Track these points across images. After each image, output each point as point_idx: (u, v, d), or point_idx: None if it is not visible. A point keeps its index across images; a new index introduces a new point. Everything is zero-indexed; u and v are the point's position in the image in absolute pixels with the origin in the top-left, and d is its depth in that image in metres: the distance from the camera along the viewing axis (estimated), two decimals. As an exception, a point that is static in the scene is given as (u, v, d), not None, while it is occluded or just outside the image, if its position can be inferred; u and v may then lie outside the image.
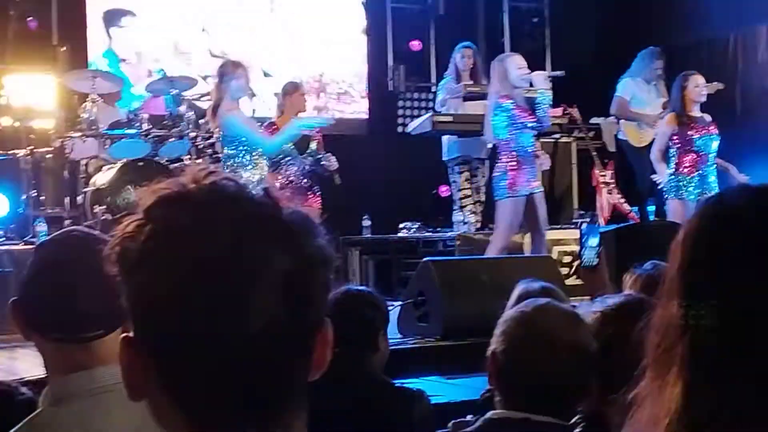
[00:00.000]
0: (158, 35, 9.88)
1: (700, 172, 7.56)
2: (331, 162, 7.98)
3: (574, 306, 2.49)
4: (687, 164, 7.57)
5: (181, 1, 10.11)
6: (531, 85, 7.29)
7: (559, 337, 2.13)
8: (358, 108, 10.92)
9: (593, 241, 6.16)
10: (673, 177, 7.59)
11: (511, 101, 7.14)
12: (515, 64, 7.27)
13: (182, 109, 7.61)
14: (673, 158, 7.63)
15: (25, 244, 6.97)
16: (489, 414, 2.18)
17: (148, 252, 0.91)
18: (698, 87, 7.64)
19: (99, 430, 1.59)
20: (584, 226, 6.57)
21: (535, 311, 2.19)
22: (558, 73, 7.37)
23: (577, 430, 2.13)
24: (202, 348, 0.90)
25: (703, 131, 7.61)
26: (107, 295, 1.63)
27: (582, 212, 9.16)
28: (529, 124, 7.14)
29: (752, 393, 0.97)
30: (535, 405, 2.12)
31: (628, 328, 2.01)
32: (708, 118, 7.75)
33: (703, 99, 7.68)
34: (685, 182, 7.52)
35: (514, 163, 7.09)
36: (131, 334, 0.94)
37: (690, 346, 1.02)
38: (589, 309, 2.25)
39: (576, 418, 2.17)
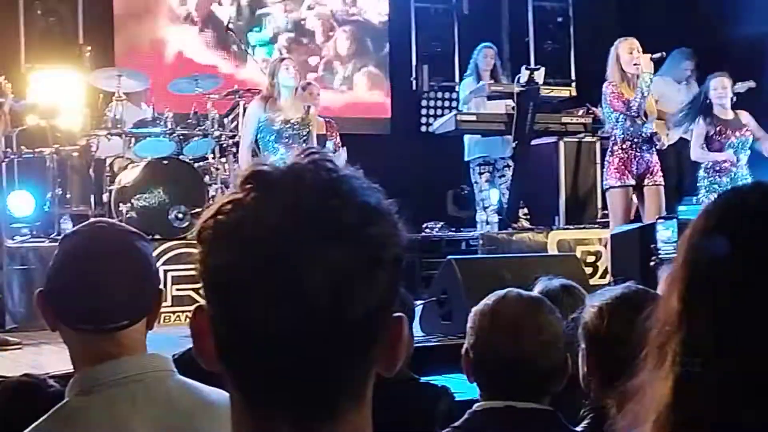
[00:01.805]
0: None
1: (731, 174, 7.48)
2: (341, 159, 8.05)
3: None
4: (716, 166, 7.50)
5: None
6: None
7: (522, 323, 2.20)
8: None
9: (668, 234, 5.87)
10: (704, 177, 7.54)
11: (612, 86, 7.03)
12: (626, 48, 7.06)
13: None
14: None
15: (50, 242, 7.02)
16: (474, 407, 2.22)
17: (214, 228, 0.92)
18: (716, 90, 7.59)
19: (125, 419, 1.61)
20: (660, 220, 6.31)
21: (497, 301, 2.26)
22: (657, 55, 7.18)
23: (585, 422, 2.15)
24: (250, 329, 0.90)
25: (735, 134, 7.52)
26: (132, 285, 1.66)
27: (606, 212, 9.10)
28: (628, 111, 6.98)
29: (739, 393, 0.96)
30: (513, 392, 2.16)
31: (626, 321, 2.02)
32: (744, 118, 7.65)
33: (723, 101, 7.60)
34: (715, 184, 7.44)
35: (617, 150, 7.03)
36: (203, 303, 0.94)
37: (684, 341, 1.01)
38: (590, 302, 2.27)
39: (582, 411, 2.20)
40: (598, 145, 9.53)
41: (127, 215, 7.14)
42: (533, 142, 8.67)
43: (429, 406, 2.86)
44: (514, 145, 8.40)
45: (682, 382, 1.00)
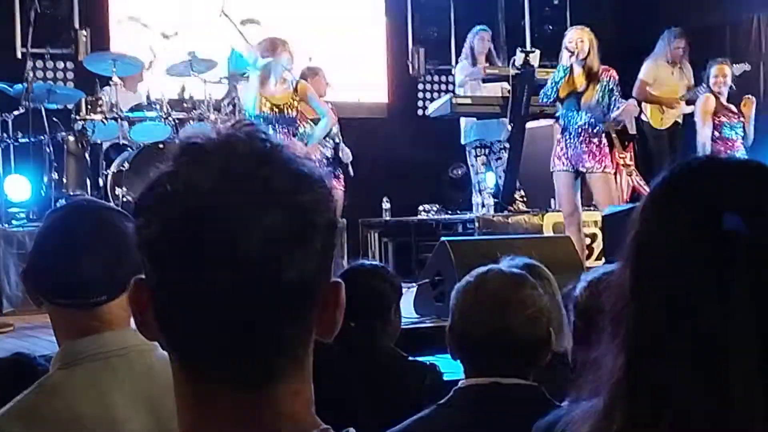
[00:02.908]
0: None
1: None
2: (345, 154, 8.06)
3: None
4: (715, 150, 7.58)
5: None
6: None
7: (503, 297, 2.21)
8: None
9: None
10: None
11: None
12: (567, 37, 7.19)
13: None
14: None
15: (47, 226, 7.02)
16: (459, 383, 2.23)
17: (151, 200, 0.95)
18: (717, 77, 7.67)
19: (106, 391, 1.63)
20: None
21: (478, 277, 2.26)
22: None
23: (569, 397, 2.17)
24: (189, 296, 0.92)
25: (732, 119, 7.62)
26: (109, 260, 1.68)
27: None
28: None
29: (690, 367, 0.97)
30: (497, 368, 2.17)
31: None
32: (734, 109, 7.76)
33: (722, 89, 7.69)
34: None
35: (559, 136, 7.15)
36: (142, 276, 0.96)
37: (635, 314, 1.02)
38: (584, 278, 2.28)
39: (567, 384, 2.21)
40: (592, 127, 9.52)
41: (124, 199, 7.16)
42: (529, 125, 8.67)
43: (416, 383, 2.89)
44: (509, 127, 8.40)
45: (636, 355, 1.01)
